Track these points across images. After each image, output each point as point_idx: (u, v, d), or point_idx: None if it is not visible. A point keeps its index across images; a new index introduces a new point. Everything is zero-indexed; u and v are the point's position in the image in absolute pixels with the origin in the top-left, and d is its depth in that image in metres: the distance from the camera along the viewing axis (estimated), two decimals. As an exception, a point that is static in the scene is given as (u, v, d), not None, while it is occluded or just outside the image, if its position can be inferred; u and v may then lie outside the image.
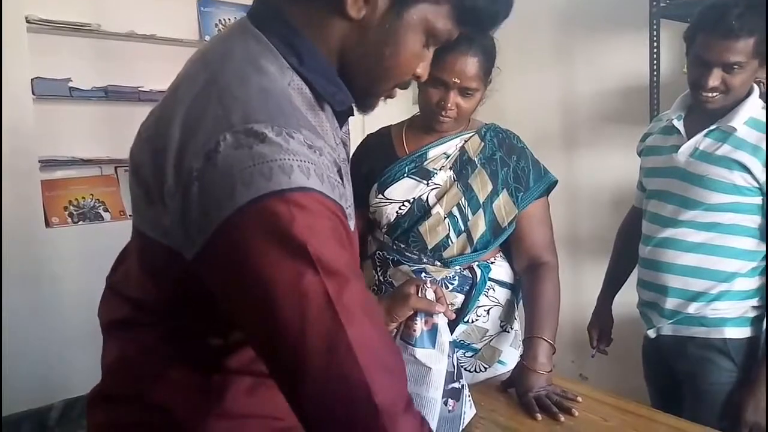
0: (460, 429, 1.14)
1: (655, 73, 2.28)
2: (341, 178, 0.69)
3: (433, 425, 1.04)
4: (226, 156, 0.60)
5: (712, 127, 1.45)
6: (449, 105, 1.31)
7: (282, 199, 0.59)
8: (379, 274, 1.41)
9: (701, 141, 1.46)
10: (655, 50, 2.26)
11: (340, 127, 0.81)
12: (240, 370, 0.74)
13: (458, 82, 1.29)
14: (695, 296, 1.48)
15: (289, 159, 0.61)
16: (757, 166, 1.38)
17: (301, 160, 0.61)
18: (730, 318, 1.47)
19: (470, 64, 1.28)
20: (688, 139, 1.49)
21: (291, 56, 0.71)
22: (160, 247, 0.68)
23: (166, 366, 0.74)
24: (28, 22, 2.63)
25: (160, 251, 0.68)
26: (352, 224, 0.76)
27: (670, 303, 1.51)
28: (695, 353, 1.50)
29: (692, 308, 1.48)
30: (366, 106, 0.81)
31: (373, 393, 0.61)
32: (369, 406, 0.61)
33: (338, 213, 0.64)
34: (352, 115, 0.82)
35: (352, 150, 1.52)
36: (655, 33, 2.25)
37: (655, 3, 2.21)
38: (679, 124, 1.52)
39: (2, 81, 2.51)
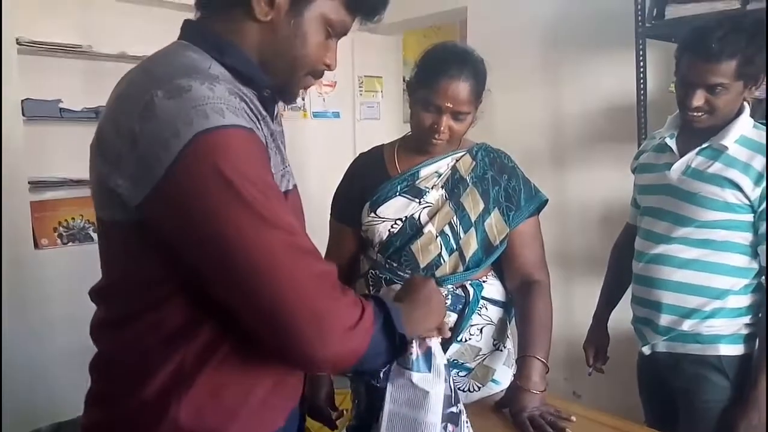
0: None
1: (641, 92, 2.31)
2: (260, 124, 0.83)
3: None
4: (162, 107, 0.73)
5: (704, 146, 1.47)
6: (442, 128, 1.32)
7: (221, 133, 0.73)
8: (372, 293, 1.41)
9: (693, 159, 1.48)
10: (641, 70, 2.29)
11: (271, 117, 0.91)
12: (210, 350, 0.82)
13: (451, 106, 1.30)
14: (689, 313, 1.48)
15: (219, 103, 0.75)
16: (747, 184, 1.40)
17: (228, 104, 0.76)
18: (724, 335, 1.47)
19: (462, 89, 1.30)
20: (681, 157, 1.50)
21: (213, 51, 0.84)
22: (114, 226, 0.81)
23: (133, 359, 0.82)
24: (18, 43, 2.63)
25: (116, 230, 0.81)
26: (290, 183, 0.91)
27: (665, 320, 1.52)
28: (690, 370, 1.50)
29: (687, 325, 1.49)
30: (287, 96, 0.94)
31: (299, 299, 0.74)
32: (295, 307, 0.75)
33: (263, 145, 0.80)
34: (276, 103, 0.94)
35: (344, 167, 1.53)
36: (641, 53, 2.28)
37: (641, 23, 2.25)
38: (671, 142, 1.54)
39: (-7, 102, 2.50)
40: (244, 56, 0.86)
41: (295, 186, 0.94)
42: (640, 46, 2.28)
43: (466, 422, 1.14)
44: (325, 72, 0.94)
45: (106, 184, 0.78)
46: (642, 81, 2.30)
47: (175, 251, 0.77)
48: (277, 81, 0.90)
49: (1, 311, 2.47)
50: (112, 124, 0.79)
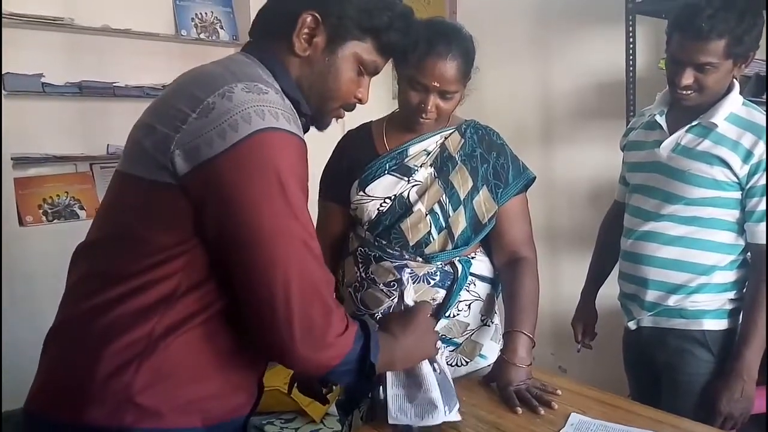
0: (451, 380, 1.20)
1: (631, 68, 2.30)
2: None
3: (437, 395, 1.10)
4: (241, 95, 0.83)
5: (693, 123, 1.47)
6: (429, 107, 1.31)
7: (285, 136, 0.83)
8: (361, 270, 1.41)
9: (683, 136, 1.48)
10: (631, 46, 2.29)
11: None
12: (180, 326, 0.86)
13: (437, 85, 1.29)
14: (675, 289, 1.50)
15: (287, 112, 0.86)
16: (736, 162, 1.40)
17: (294, 116, 0.88)
18: (709, 310, 1.49)
19: (449, 68, 1.28)
20: (670, 134, 1.51)
21: (272, 72, 0.95)
22: (147, 184, 0.85)
23: (105, 320, 0.85)
24: (-2, 15, 2.56)
25: (147, 188, 0.85)
26: None
27: (651, 295, 1.54)
28: (675, 344, 1.52)
29: (672, 300, 1.51)
30: (320, 124, 1.04)
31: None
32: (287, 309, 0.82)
33: (307, 159, 0.89)
34: (307, 130, 1.02)
35: (333, 146, 1.52)
36: (631, 29, 2.27)
37: (631, -1, 2.24)
38: (661, 120, 1.54)
39: (-28, 77, 2.45)
40: (293, 83, 0.97)
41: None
42: (630, 22, 2.27)
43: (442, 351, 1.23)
44: None
45: (162, 146, 0.83)
46: (631, 57, 2.30)
47: (204, 220, 0.83)
48: (312, 110, 1.00)
49: (1, 289, 2.45)
50: (183, 94, 0.87)
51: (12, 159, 2.66)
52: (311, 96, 0.98)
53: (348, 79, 0.99)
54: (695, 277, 1.48)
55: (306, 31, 0.94)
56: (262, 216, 0.81)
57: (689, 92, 1.42)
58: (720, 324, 1.49)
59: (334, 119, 1.05)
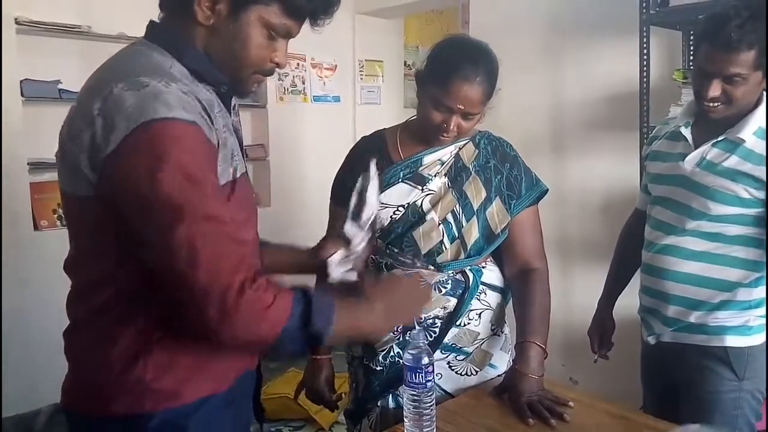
0: None
1: (645, 79, 2.29)
2: (211, 121, 0.91)
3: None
4: (120, 96, 0.84)
5: (720, 138, 1.43)
6: (452, 127, 1.31)
7: (167, 124, 0.82)
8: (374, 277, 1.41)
9: (709, 151, 1.44)
10: (645, 57, 2.28)
11: (228, 109, 1.00)
12: (167, 318, 0.91)
13: (462, 108, 1.29)
14: (697, 304, 1.47)
15: (171, 98, 0.84)
16: (764, 178, 1.37)
17: (180, 100, 0.85)
18: (731, 327, 1.46)
19: (475, 92, 1.29)
20: (696, 147, 1.47)
21: (173, 52, 0.93)
22: (76, 200, 0.90)
23: (100, 324, 0.93)
24: (17, 23, 2.61)
25: (77, 203, 0.90)
26: (238, 172, 0.97)
27: (672, 310, 1.50)
28: (695, 361, 1.49)
29: (694, 317, 1.47)
30: (239, 91, 1.02)
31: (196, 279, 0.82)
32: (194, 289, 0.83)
33: (205, 138, 0.87)
34: (231, 98, 1.02)
35: (344, 151, 1.52)
36: (645, 40, 2.27)
37: (645, 10, 2.23)
38: (686, 132, 1.50)
39: (-9, 82, 2.49)
40: (199, 56, 0.94)
41: (244, 173, 1.02)
42: (644, 33, 2.26)
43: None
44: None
45: (73, 162, 0.87)
46: (645, 68, 2.29)
47: (122, 224, 0.86)
48: (227, 78, 0.97)
49: (1, 292, 2.48)
50: (78, 109, 0.89)
51: (28, 164, 2.69)
52: (223, 64, 0.96)
53: (257, 45, 0.95)
54: (717, 293, 1.45)
55: None
56: (153, 207, 0.82)
57: (716, 104, 1.39)
58: (742, 341, 1.45)
59: (255, 85, 1.03)
